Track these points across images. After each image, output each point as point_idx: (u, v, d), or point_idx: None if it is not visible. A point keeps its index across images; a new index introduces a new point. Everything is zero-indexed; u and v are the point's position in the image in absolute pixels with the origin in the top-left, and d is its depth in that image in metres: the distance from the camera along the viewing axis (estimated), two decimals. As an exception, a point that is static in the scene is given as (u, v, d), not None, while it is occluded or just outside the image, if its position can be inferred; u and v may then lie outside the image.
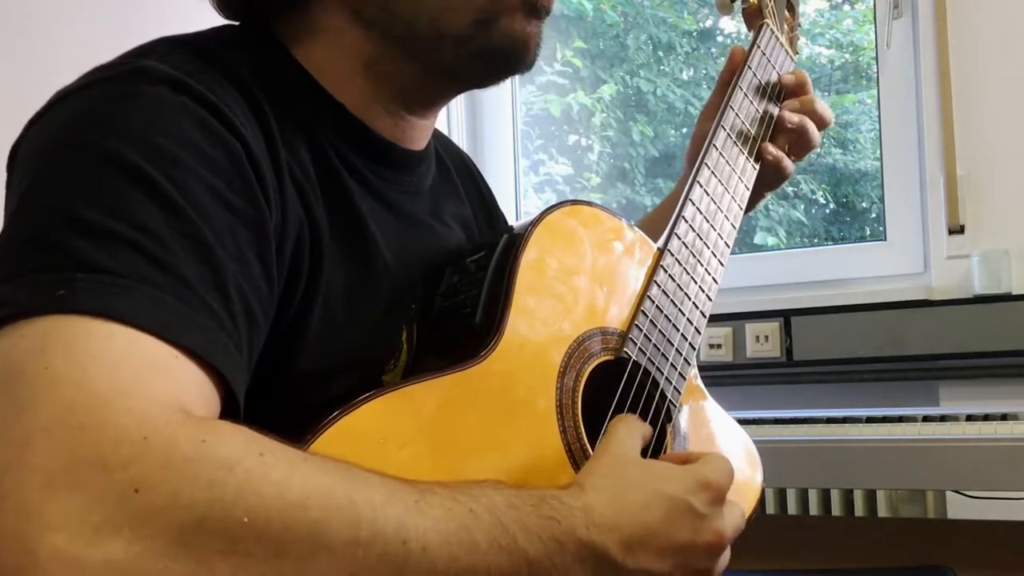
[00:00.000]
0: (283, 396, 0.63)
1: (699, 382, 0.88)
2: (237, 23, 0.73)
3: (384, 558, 0.48)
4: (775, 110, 0.97)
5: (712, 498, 0.63)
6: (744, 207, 0.92)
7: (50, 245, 0.51)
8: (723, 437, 0.86)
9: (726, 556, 0.66)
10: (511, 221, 0.93)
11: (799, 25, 1.10)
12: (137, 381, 0.47)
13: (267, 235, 0.60)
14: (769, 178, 0.98)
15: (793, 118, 0.96)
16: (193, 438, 0.46)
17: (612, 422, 0.68)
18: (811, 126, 0.97)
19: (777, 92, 0.99)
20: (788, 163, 0.97)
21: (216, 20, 0.73)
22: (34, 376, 0.45)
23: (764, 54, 0.99)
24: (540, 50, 0.74)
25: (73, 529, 0.42)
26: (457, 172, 0.89)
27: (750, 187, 0.93)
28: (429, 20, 0.69)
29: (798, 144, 0.98)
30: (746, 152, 0.93)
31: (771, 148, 0.95)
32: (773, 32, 1.01)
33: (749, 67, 0.96)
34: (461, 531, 0.51)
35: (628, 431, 0.67)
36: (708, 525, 0.62)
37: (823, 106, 0.98)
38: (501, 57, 0.72)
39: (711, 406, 0.87)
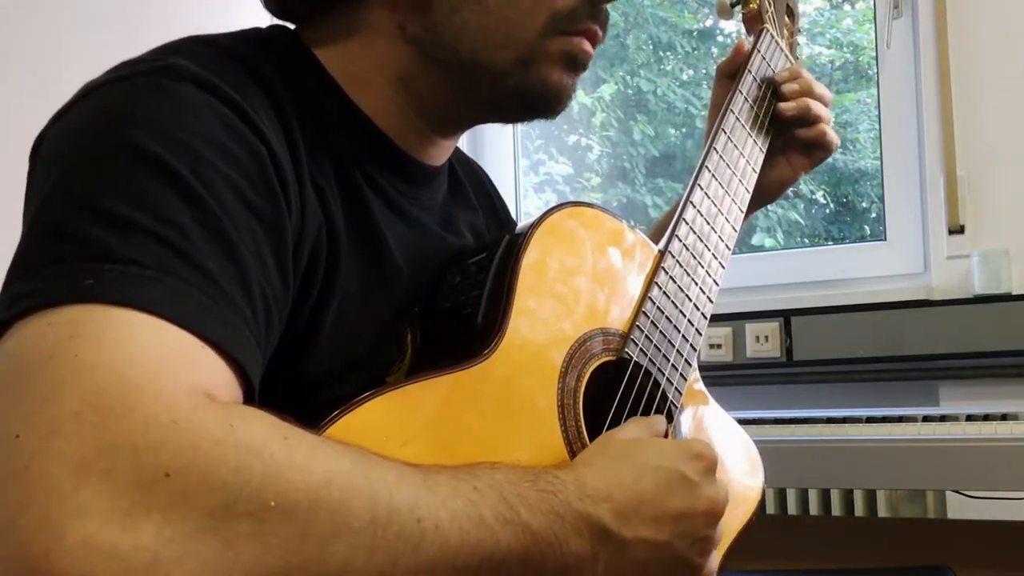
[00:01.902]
0: (291, 395, 0.63)
1: (701, 385, 0.88)
2: (262, 25, 0.74)
3: (401, 536, 0.49)
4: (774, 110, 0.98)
5: (704, 467, 0.64)
6: (745, 209, 0.92)
7: (77, 236, 0.51)
8: (724, 440, 0.86)
9: (721, 528, 0.66)
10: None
11: (799, 30, 1.10)
12: (165, 368, 0.48)
13: (285, 237, 0.60)
14: (815, 154, 1.01)
15: (789, 105, 0.97)
16: (221, 423, 0.47)
17: (629, 418, 0.69)
18: (813, 105, 0.98)
19: (776, 95, 0.99)
20: (832, 134, 0.99)
21: (221, 23, 0.73)
22: (63, 363, 0.46)
23: (764, 58, 0.99)
24: (571, 100, 0.76)
25: (104, 514, 0.42)
26: (470, 184, 0.90)
27: (751, 189, 0.93)
28: (471, 50, 0.70)
29: (809, 123, 0.99)
30: (746, 155, 0.94)
31: (806, 130, 0.98)
32: (773, 37, 1.02)
33: (749, 71, 0.97)
34: (469, 507, 0.52)
35: (634, 423, 0.69)
36: (702, 492, 0.63)
37: (820, 86, 0.99)
38: (533, 101, 0.74)
39: (713, 409, 0.88)
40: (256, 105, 0.62)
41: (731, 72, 1.00)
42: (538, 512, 0.55)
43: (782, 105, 0.98)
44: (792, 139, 1.00)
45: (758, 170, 0.95)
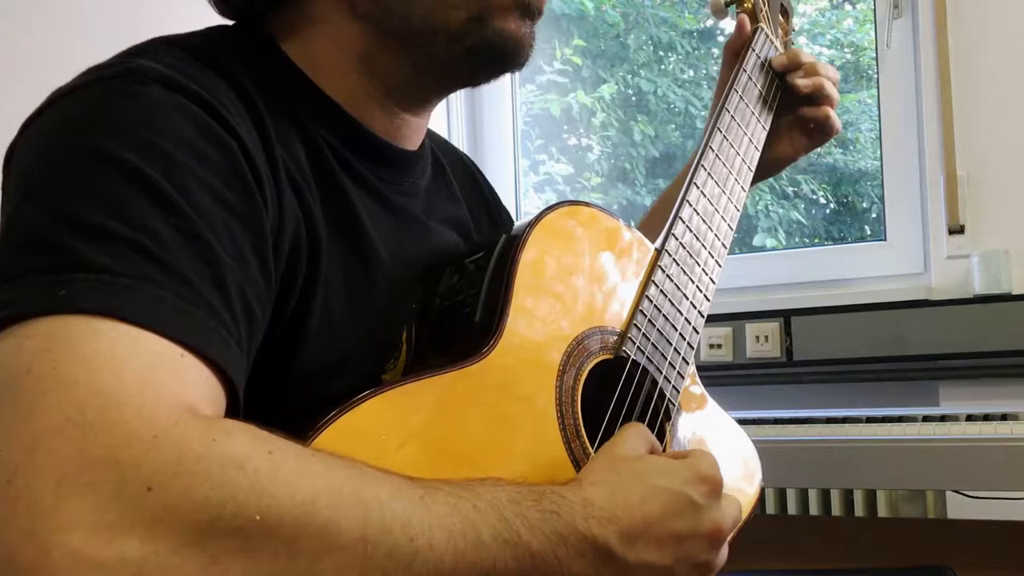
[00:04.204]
0: (284, 394, 0.64)
1: (699, 384, 0.88)
2: (231, 22, 0.74)
3: (392, 555, 0.48)
4: (770, 113, 0.99)
5: (710, 490, 0.63)
6: (740, 208, 0.92)
7: (49, 246, 0.51)
8: (721, 444, 0.85)
9: (724, 550, 0.66)
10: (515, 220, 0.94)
11: (793, 30, 1.11)
12: (145, 380, 0.47)
13: (264, 233, 0.60)
14: (816, 136, 1.03)
15: (807, 81, 1.00)
16: (203, 437, 0.46)
17: (620, 428, 0.68)
18: (827, 83, 1.00)
19: (772, 94, 1.00)
20: (835, 117, 1.02)
21: (215, 20, 0.73)
22: (41, 377, 0.45)
23: (759, 57, 1.00)
24: (533, 50, 0.75)
25: (87, 528, 0.42)
26: (454, 172, 0.89)
27: (747, 188, 0.94)
28: (423, 16, 0.70)
29: (821, 104, 1.01)
30: (742, 154, 0.94)
31: (815, 108, 1.01)
32: (768, 36, 1.02)
33: (744, 70, 0.97)
34: (466, 526, 0.51)
35: (633, 434, 0.68)
36: (707, 516, 0.62)
37: (825, 65, 1.02)
38: (494, 55, 0.73)
39: (712, 411, 0.88)
40: (226, 102, 0.61)
41: (738, 50, 1.01)
42: (540, 533, 0.54)
43: (800, 81, 1.00)
44: (796, 118, 1.02)
45: (754, 168, 0.95)
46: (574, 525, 0.56)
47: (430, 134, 0.83)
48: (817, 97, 1.00)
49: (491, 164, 2.37)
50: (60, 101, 0.60)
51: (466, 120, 2.43)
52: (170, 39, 0.66)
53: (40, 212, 0.53)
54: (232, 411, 0.54)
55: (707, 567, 0.63)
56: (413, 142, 0.79)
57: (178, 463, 0.45)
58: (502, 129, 2.43)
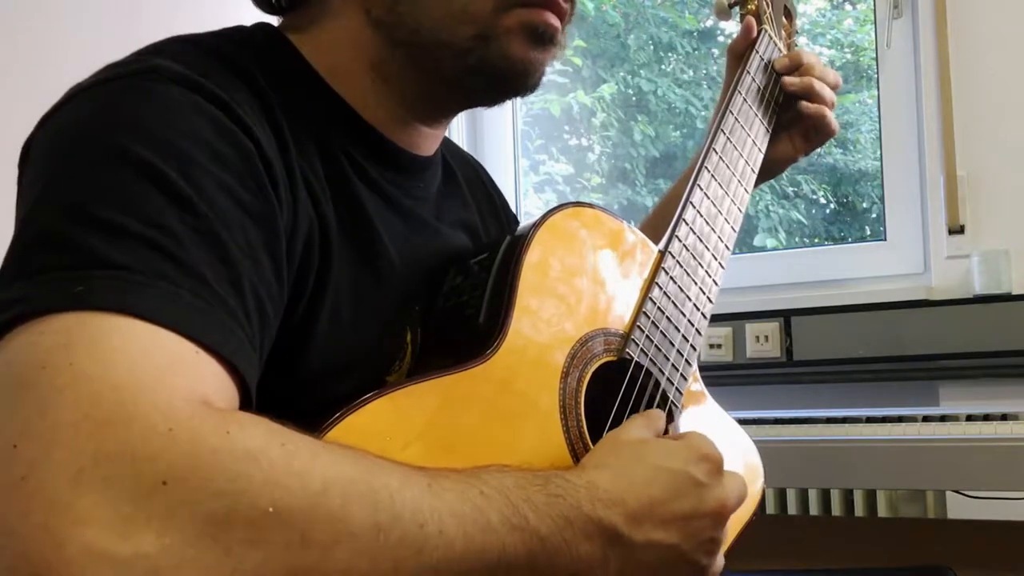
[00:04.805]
0: (289, 394, 0.64)
1: (701, 386, 0.88)
2: (239, 23, 0.74)
3: (403, 541, 0.49)
4: (773, 115, 0.99)
5: (711, 468, 0.64)
6: (743, 209, 0.93)
7: (65, 243, 0.51)
8: (724, 442, 0.85)
9: (727, 528, 0.66)
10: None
11: (796, 31, 1.11)
12: (160, 376, 0.47)
13: (278, 233, 0.60)
14: (813, 136, 1.03)
15: (795, 80, 1.00)
16: (218, 430, 0.46)
17: (631, 416, 0.69)
18: (816, 83, 1.00)
19: (775, 94, 1.00)
20: (832, 117, 1.02)
21: (220, 22, 0.74)
22: (57, 372, 0.45)
23: (763, 59, 1.00)
24: (543, 77, 0.74)
25: (103, 523, 0.42)
26: (464, 177, 0.89)
27: (750, 190, 0.94)
28: (431, 27, 0.70)
29: (816, 104, 1.02)
30: (745, 155, 0.94)
31: (808, 105, 1.00)
32: (771, 38, 1.02)
33: (748, 72, 0.98)
34: (475, 512, 0.52)
35: (640, 420, 0.69)
36: (710, 494, 0.63)
37: (823, 67, 1.02)
38: (498, 77, 0.72)
39: (714, 411, 0.88)
40: (243, 103, 0.62)
41: (741, 51, 1.01)
42: (547, 517, 0.55)
43: (787, 80, 1.00)
44: (794, 118, 1.02)
45: (757, 169, 0.96)
46: (580, 508, 0.56)
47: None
48: (809, 97, 1.01)
49: (491, 164, 2.36)
50: (77, 97, 0.60)
51: (466, 119, 2.43)
52: (188, 38, 0.66)
53: (56, 208, 0.53)
54: (244, 410, 0.54)
55: (713, 543, 0.64)
56: (426, 149, 0.79)
57: (193, 456, 0.45)
58: (502, 129, 2.43)
